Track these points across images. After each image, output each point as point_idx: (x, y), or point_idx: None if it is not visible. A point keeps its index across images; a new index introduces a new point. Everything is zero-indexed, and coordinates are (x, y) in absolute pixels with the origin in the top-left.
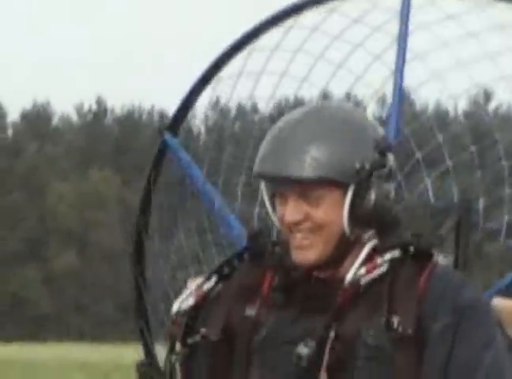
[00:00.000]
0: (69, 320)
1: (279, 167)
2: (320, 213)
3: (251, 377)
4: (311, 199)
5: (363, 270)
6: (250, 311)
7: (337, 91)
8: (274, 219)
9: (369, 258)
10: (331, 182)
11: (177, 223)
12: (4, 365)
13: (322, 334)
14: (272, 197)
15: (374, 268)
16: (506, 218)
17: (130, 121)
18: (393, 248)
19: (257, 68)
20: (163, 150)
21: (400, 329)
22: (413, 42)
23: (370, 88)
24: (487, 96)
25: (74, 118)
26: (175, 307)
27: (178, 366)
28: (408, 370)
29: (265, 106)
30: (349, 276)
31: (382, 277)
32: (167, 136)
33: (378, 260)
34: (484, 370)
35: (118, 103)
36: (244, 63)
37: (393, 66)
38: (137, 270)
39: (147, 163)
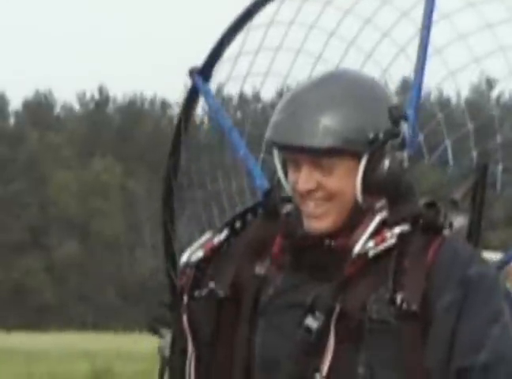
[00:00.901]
0: (72, 309)
1: (292, 135)
2: (333, 182)
3: (256, 337)
4: (324, 167)
5: (371, 243)
6: (260, 269)
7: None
8: (286, 185)
9: (378, 230)
10: (344, 151)
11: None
12: (6, 354)
13: (330, 306)
14: (284, 163)
15: (383, 241)
16: None
17: (132, 109)
18: (402, 221)
19: (270, 44)
20: (192, 94)
21: (404, 306)
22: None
23: (381, 67)
24: (490, 85)
25: (76, 106)
26: (184, 258)
27: (184, 317)
28: (414, 344)
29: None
30: (357, 248)
31: (390, 250)
32: (198, 80)
33: (388, 234)
34: (491, 346)
35: (120, 92)
36: (243, 42)
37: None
38: (166, 215)
39: (150, 153)
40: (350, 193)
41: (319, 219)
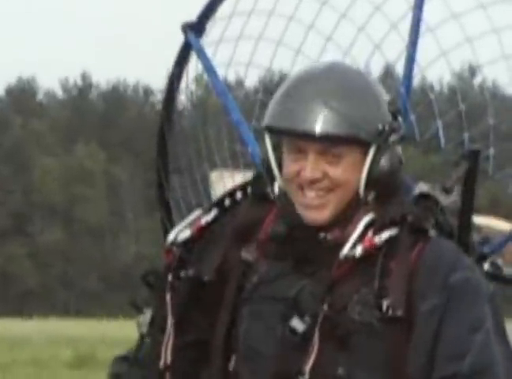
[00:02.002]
0: (55, 295)
1: (304, 122)
2: (339, 172)
3: (240, 324)
4: (331, 157)
5: (359, 248)
6: (246, 254)
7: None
8: (278, 175)
9: (366, 231)
10: (354, 141)
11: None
12: None
13: (316, 310)
14: (276, 152)
15: (371, 246)
16: None
17: (115, 96)
18: (391, 224)
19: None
20: (185, 50)
21: (390, 312)
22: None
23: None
24: (472, 71)
25: (59, 93)
26: (171, 237)
27: (167, 296)
28: (398, 347)
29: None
30: (345, 251)
31: (377, 250)
32: (191, 36)
33: (376, 239)
34: (474, 354)
35: (103, 78)
36: (224, 29)
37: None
38: (159, 162)
39: (133, 139)
40: (353, 185)
41: (318, 210)
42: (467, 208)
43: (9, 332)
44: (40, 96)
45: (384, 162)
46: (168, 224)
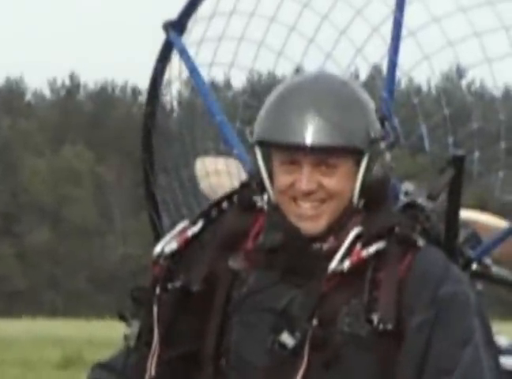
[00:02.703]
0: (43, 295)
1: (298, 135)
2: (333, 182)
3: (230, 334)
4: (325, 168)
5: (347, 262)
6: (233, 263)
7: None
8: (269, 187)
9: (354, 245)
10: (348, 151)
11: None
12: None
13: (306, 326)
14: (267, 163)
15: (359, 260)
16: (501, 173)
17: (104, 96)
18: (378, 238)
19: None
20: (167, 48)
21: (380, 325)
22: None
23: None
24: (460, 73)
25: (47, 93)
26: (158, 249)
27: (154, 309)
28: (386, 359)
29: (238, 80)
30: (333, 266)
31: (365, 263)
32: (172, 34)
33: (363, 253)
34: (462, 370)
35: (91, 79)
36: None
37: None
38: (145, 156)
39: (121, 139)
40: (347, 195)
41: (313, 221)
42: (453, 213)
43: None
44: (28, 97)
45: (376, 170)
46: (156, 218)
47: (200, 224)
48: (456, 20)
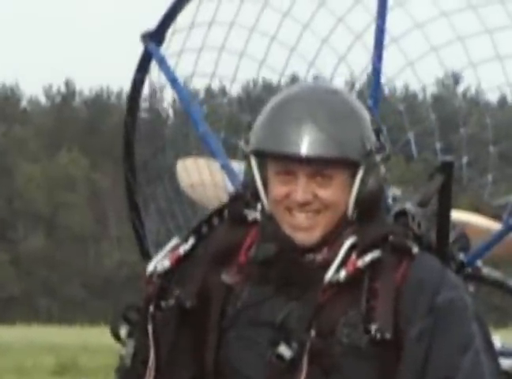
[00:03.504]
0: (38, 302)
1: (294, 145)
2: (329, 194)
3: (226, 349)
4: (321, 179)
5: (343, 272)
6: (226, 277)
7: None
8: (264, 197)
9: (349, 255)
10: (344, 162)
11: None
12: None
13: (303, 337)
14: (261, 174)
15: (355, 270)
16: (490, 176)
17: (99, 103)
18: (373, 247)
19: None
20: (145, 59)
21: (378, 335)
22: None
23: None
24: (456, 80)
25: (43, 100)
26: (150, 268)
27: (149, 328)
28: (385, 369)
29: (231, 87)
30: (328, 276)
31: (361, 273)
32: (151, 45)
33: (359, 263)
34: (463, 376)
35: (86, 86)
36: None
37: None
38: (126, 165)
39: (116, 146)
40: (342, 206)
41: (307, 232)
42: (444, 219)
43: None
44: (24, 103)
45: (371, 182)
46: (139, 227)
47: (191, 241)
48: (439, 25)
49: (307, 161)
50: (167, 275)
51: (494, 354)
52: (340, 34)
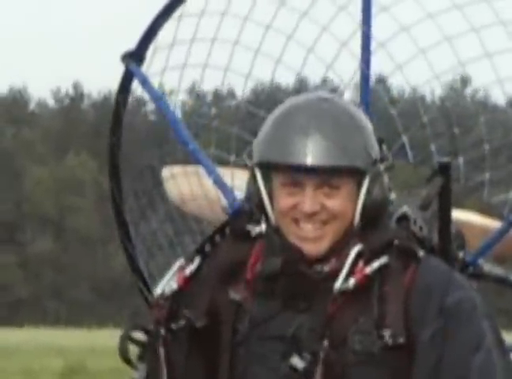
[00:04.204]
0: (46, 304)
1: (302, 156)
2: (336, 204)
3: (238, 366)
4: (328, 189)
5: (352, 280)
6: (234, 294)
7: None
8: (269, 208)
9: (356, 263)
10: (351, 171)
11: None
12: None
13: (316, 347)
14: (266, 186)
15: (364, 278)
16: (487, 175)
17: (107, 106)
18: (380, 253)
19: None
20: (127, 79)
21: (391, 340)
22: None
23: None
24: (464, 82)
25: (51, 102)
26: (159, 290)
27: (161, 351)
28: (398, 373)
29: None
30: (337, 285)
31: (370, 280)
32: (132, 65)
33: (367, 270)
34: (476, 375)
35: (94, 88)
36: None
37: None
38: (113, 184)
39: (124, 149)
40: (349, 216)
41: (315, 242)
42: (445, 220)
43: None
44: (32, 106)
45: (376, 191)
46: (128, 244)
47: (197, 261)
48: (426, 26)
49: (315, 171)
50: (175, 297)
51: (505, 351)
52: (325, 42)
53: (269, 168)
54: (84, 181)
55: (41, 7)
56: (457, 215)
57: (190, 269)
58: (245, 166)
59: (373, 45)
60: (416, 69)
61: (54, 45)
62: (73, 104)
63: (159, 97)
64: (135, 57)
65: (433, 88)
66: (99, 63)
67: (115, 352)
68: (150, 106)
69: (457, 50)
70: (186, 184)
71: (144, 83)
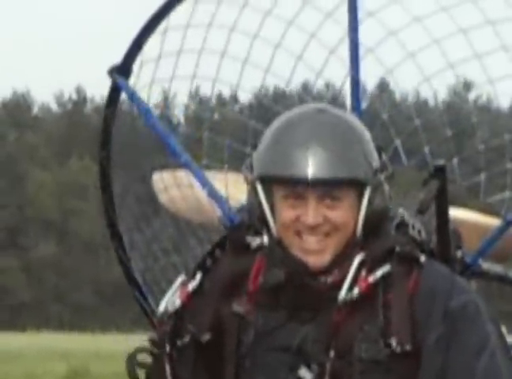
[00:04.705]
0: (49, 308)
1: (304, 169)
2: (338, 215)
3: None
4: (330, 201)
5: (356, 290)
6: (237, 307)
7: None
8: (272, 222)
9: (359, 272)
10: (353, 183)
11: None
12: None
13: (323, 359)
14: (268, 199)
15: (367, 287)
16: (483, 175)
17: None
18: (382, 261)
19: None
20: (114, 93)
21: (398, 348)
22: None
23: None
24: (467, 86)
25: (54, 106)
26: (162, 308)
27: (167, 368)
28: (405, 378)
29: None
30: (342, 295)
31: (373, 289)
32: (119, 79)
33: (370, 279)
34: (480, 377)
35: (97, 92)
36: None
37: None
38: (105, 197)
39: (126, 153)
40: (351, 227)
41: (318, 255)
42: (443, 223)
43: (1, 345)
44: (35, 110)
45: (377, 201)
46: (123, 254)
47: (198, 277)
48: (413, 29)
49: (317, 183)
50: (178, 313)
51: (509, 353)
52: (314, 50)
53: (270, 181)
54: (87, 186)
55: (45, 11)
56: (454, 213)
57: (193, 285)
58: (245, 180)
59: (361, 51)
60: (405, 73)
61: (57, 49)
62: (76, 108)
63: (148, 111)
64: (122, 71)
65: (436, 92)
66: (103, 67)
67: (119, 356)
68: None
69: (446, 51)
70: (175, 186)
71: (132, 97)
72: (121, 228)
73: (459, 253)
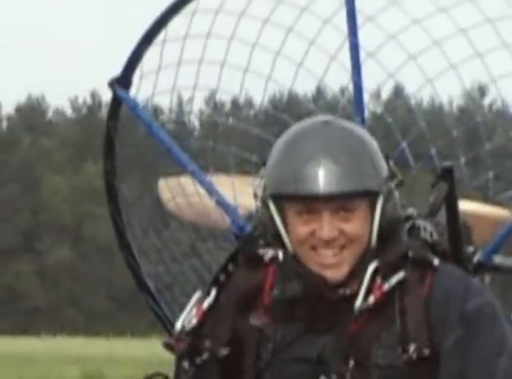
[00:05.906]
0: (63, 313)
1: (318, 185)
2: (353, 227)
3: None
4: (343, 213)
5: (372, 298)
6: (254, 320)
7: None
8: (286, 238)
9: (374, 280)
10: (365, 194)
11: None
12: None
13: (343, 366)
14: (280, 215)
15: (382, 295)
16: (491, 173)
17: (124, 114)
18: (396, 268)
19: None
20: (116, 105)
21: (415, 355)
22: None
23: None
24: (482, 92)
25: (69, 111)
26: (179, 326)
27: None
28: None
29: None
30: (358, 304)
31: (389, 296)
32: (120, 91)
33: (385, 287)
34: (500, 378)
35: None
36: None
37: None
38: (112, 207)
39: (142, 157)
40: (366, 238)
41: (335, 268)
42: (454, 224)
43: (16, 349)
44: (50, 114)
45: (390, 209)
46: (133, 262)
47: (213, 293)
48: (413, 32)
49: (331, 198)
50: (195, 330)
51: None
52: (315, 56)
53: (282, 199)
54: (101, 190)
55: (60, 16)
56: (464, 206)
57: (208, 302)
58: (255, 197)
59: (362, 55)
60: (407, 76)
61: (72, 54)
62: (90, 113)
63: (150, 122)
64: (122, 82)
65: (450, 97)
66: (116, 72)
67: (133, 361)
68: (166, 116)
69: (447, 52)
70: (181, 192)
71: (134, 108)
72: (134, 233)
73: (470, 249)
